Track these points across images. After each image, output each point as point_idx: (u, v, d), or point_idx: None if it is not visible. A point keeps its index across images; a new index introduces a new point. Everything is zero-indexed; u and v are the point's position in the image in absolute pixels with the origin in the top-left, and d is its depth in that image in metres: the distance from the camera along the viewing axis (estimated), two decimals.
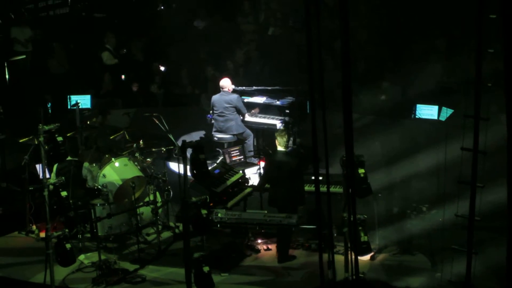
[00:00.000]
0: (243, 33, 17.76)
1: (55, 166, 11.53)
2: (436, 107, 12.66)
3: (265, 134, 14.09)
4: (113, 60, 17.35)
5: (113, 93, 17.33)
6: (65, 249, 9.05)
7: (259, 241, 11.16)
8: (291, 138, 11.75)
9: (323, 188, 7.24)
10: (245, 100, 14.09)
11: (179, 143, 8.63)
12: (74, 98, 14.40)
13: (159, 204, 11.37)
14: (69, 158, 11.01)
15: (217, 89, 14.01)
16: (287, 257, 10.63)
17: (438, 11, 14.86)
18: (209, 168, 10.00)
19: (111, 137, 12.17)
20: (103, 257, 10.35)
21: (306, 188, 10.88)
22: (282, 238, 10.69)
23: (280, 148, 10.81)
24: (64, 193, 9.15)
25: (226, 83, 13.74)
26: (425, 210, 10.28)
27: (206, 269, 8.38)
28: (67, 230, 9.20)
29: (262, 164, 12.10)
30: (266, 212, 10.49)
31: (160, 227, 11.31)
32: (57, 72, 17.51)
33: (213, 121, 13.89)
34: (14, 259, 10.98)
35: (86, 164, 11.57)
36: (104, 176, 11.17)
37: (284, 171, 10.59)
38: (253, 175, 12.53)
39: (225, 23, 18.00)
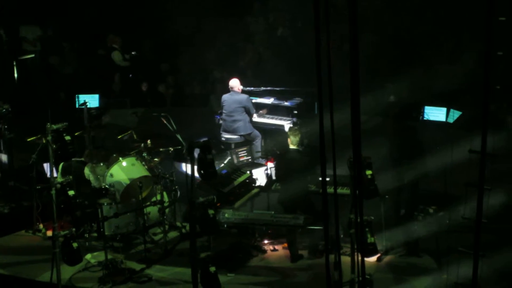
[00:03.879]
0: (252, 34, 17.77)
1: (60, 165, 11.55)
2: (444, 109, 12.61)
3: (273, 135, 14.08)
4: (123, 62, 17.40)
5: (121, 93, 17.36)
6: (72, 248, 9.03)
7: (266, 241, 11.16)
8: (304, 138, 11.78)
9: (330, 189, 7.24)
10: (253, 101, 14.09)
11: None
12: (82, 98, 14.38)
13: (166, 204, 11.38)
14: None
15: (225, 90, 14.02)
16: (297, 256, 10.65)
17: (447, 13, 14.84)
18: (217, 168, 10.00)
19: (118, 137, 12.17)
20: (109, 256, 10.35)
21: (313, 189, 10.88)
22: (291, 238, 10.69)
23: (292, 146, 10.83)
24: (71, 192, 9.14)
25: (235, 83, 13.75)
26: (432, 212, 10.26)
27: (212, 269, 8.36)
28: (74, 229, 9.20)
29: (270, 164, 12.09)
30: (273, 212, 10.50)
31: (167, 227, 11.30)
32: (65, 71, 17.55)
33: (221, 121, 13.90)
34: (21, 258, 11.00)
35: (88, 165, 11.60)
36: (111, 175, 11.17)
37: (296, 169, 10.59)
38: (260, 176, 12.53)
39: (234, 23, 18.01)
